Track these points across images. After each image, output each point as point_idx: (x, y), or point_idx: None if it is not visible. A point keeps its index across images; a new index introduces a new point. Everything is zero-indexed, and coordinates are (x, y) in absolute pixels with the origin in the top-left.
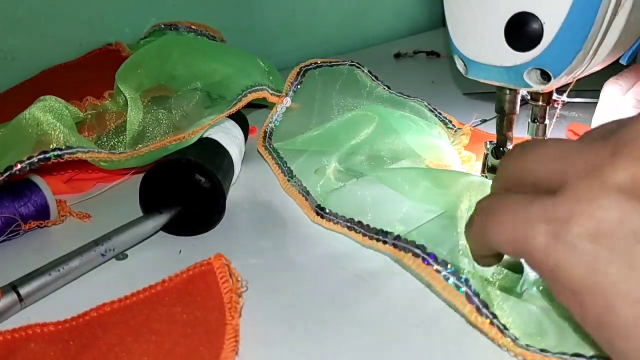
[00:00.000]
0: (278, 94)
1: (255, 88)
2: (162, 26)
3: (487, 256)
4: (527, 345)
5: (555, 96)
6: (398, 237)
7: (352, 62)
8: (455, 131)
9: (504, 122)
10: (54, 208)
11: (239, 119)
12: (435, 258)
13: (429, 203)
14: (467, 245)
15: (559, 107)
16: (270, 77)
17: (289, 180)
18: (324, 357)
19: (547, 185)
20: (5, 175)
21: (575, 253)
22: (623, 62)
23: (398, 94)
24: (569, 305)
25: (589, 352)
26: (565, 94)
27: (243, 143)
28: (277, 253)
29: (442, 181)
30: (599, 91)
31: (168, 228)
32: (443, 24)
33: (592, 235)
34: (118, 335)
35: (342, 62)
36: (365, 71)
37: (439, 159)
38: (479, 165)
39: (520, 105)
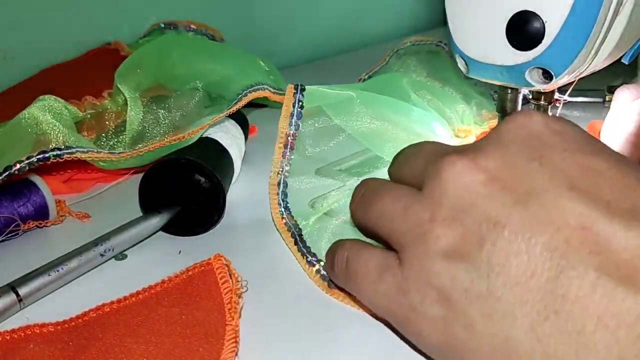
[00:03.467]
0: (280, 92)
1: (256, 87)
2: (162, 25)
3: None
4: None
5: (557, 95)
6: None
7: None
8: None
9: None
10: (53, 208)
11: (239, 118)
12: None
13: None
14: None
15: (561, 106)
16: (271, 77)
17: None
18: (324, 358)
19: (390, 242)
20: (4, 175)
21: (429, 320)
22: (625, 61)
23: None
24: None
25: None
26: (567, 93)
27: (243, 143)
28: (277, 253)
29: None
30: (601, 90)
31: (167, 228)
32: (444, 23)
33: (437, 300)
34: (117, 336)
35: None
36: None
37: None
38: None
39: (523, 105)
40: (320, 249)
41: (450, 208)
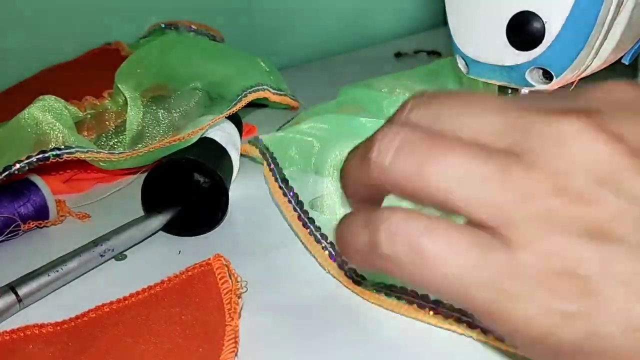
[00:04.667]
0: (280, 92)
1: (256, 88)
2: (162, 26)
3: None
4: None
5: None
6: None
7: None
8: None
9: None
10: (53, 208)
11: (233, 118)
12: None
13: None
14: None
15: None
16: (271, 77)
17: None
18: (323, 358)
19: (473, 215)
20: (4, 175)
21: (565, 318)
22: (625, 61)
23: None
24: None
25: None
26: None
27: (239, 142)
28: (277, 253)
29: None
30: None
31: (168, 228)
32: (444, 23)
33: (577, 295)
34: (117, 336)
35: None
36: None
37: None
38: None
39: None
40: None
41: (586, 181)
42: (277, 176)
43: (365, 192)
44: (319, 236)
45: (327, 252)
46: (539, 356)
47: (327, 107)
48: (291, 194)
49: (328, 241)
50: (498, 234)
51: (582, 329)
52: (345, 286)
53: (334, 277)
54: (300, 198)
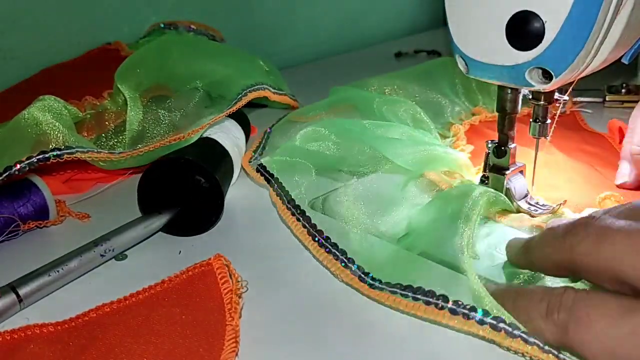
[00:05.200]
0: (280, 92)
1: (256, 87)
2: (162, 25)
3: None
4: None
5: (557, 95)
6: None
7: None
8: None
9: (505, 121)
10: (53, 208)
11: (240, 118)
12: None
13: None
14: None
15: (560, 106)
16: (271, 77)
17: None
18: (323, 358)
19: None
20: (4, 175)
21: None
22: (625, 61)
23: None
24: None
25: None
26: (567, 93)
27: (244, 143)
28: (277, 253)
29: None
30: (601, 90)
31: (167, 228)
32: (444, 23)
33: None
34: (117, 336)
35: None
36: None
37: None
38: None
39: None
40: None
41: None
42: (285, 199)
43: (552, 268)
44: (336, 252)
45: (341, 263)
46: None
47: (319, 106)
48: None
49: (347, 257)
50: None
51: None
52: (360, 291)
53: (347, 284)
54: (313, 221)
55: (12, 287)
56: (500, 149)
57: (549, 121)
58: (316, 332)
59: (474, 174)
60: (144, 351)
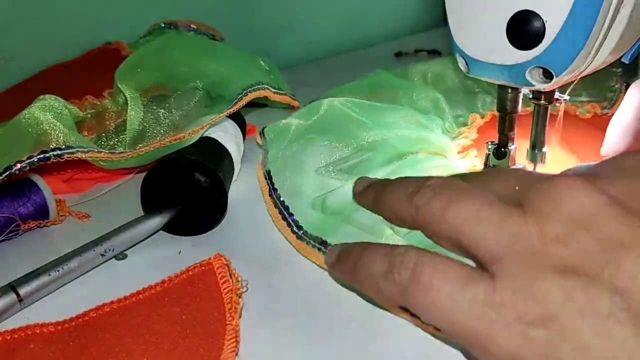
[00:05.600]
0: (280, 92)
1: (256, 87)
2: (162, 25)
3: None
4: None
5: (557, 95)
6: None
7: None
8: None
9: (506, 122)
10: (53, 208)
11: (237, 118)
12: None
13: None
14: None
15: (561, 106)
16: (272, 76)
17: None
18: (324, 358)
19: (471, 254)
20: (5, 175)
21: (528, 341)
22: (625, 60)
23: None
24: None
25: None
26: (567, 93)
27: (242, 142)
28: (277, 253)
29: None
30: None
31: (168, 228)
32: (444, 22)
33: (540, 319)
34: (117, 336)
35: None
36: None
37: (430, 148)
38: (477, 161)
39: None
40: None
41: (566, 225)
42: (278, 202)
43: (398, 223)
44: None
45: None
46: None
47: (360, 88)
48: (291, 218)
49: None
50: (487, 269)
51: (542, 353)
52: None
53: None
54: (300, 223)
55: (12, 287)
56: (500, 150)
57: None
58: (316, 332)
59: (458, 157)
60: (144, 351)
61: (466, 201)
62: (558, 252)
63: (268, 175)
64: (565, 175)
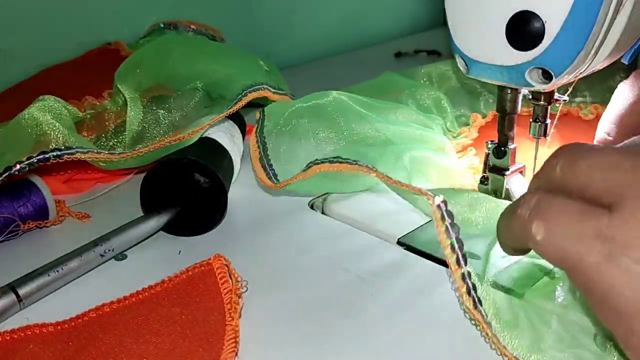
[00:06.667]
0: (280, 92)
1: (256, 87)
2: (162, 25)
3: (516, 249)
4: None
5: (556, 95)
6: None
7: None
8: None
9: (505, 122)
10: (53, 208)
11: (237, 118)
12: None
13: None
14: (497, 231)
15: (560, 106)
16: (272, 76)
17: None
18: (324, 358)
19: (596, 197)
20: (4, 175)
21: (632, 277)
22: (625, 61)
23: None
24: (614, 329)
25: None
26: (567, 93)
27: (241, 142)
28: (277, 253)
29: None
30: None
31: (168, 228)
32: (444, 22)
33: None
34: (117, 336)
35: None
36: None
37: (428, 146)
38: (476, 160)
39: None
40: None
41: None
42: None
43: (512, 242)
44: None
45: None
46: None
47: (368, 89)
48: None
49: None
50: (606, 207)
51: None
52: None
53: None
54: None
55: (12, 287)
56: (500, 149)
57: (549, 121)
58: (316, 331)
59: (457, 156)
60: (144, 351)
61: (590, 154)
62: None
63: (261, 141)
64: None
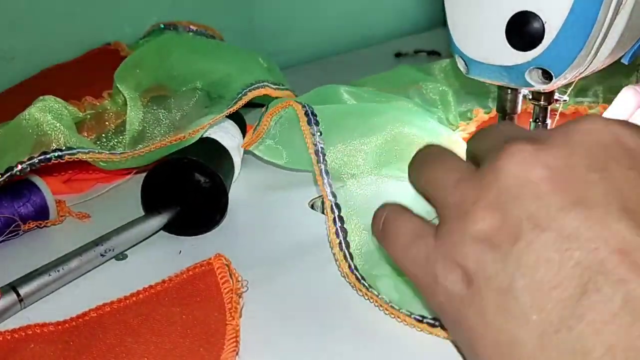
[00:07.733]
0: (280, 87)
1: (256, 86)
2: (162, 26)
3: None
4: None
5: (556, 96)
6: None
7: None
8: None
9: None
10: (53, 208)
11: (237, 118)
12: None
13: None
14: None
15: (560, 106)
16: (271, 73)
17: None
18: (324, 358)
19: (435, 210)
20: (6, 175)
21: (448, 295)
22: (625, 61)
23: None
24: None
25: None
26: (567, 94)
27: (242, 142)
28: (278, 253)
29: None
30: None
31: (168, 228)
32: (444, 23)
33: (460, 279)
34: (118, 336)
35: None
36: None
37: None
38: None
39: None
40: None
41: (497, 195)
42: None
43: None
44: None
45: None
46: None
47: (381, 80)
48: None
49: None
50: (437, 226)
51: (457, 309)
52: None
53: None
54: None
55: (13, 287)
56: None
57: (549, 121)
58: (316, 331)
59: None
60: (144, 351)
61: (433, 165)
62: (482, 220)
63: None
64: (518, 140)
